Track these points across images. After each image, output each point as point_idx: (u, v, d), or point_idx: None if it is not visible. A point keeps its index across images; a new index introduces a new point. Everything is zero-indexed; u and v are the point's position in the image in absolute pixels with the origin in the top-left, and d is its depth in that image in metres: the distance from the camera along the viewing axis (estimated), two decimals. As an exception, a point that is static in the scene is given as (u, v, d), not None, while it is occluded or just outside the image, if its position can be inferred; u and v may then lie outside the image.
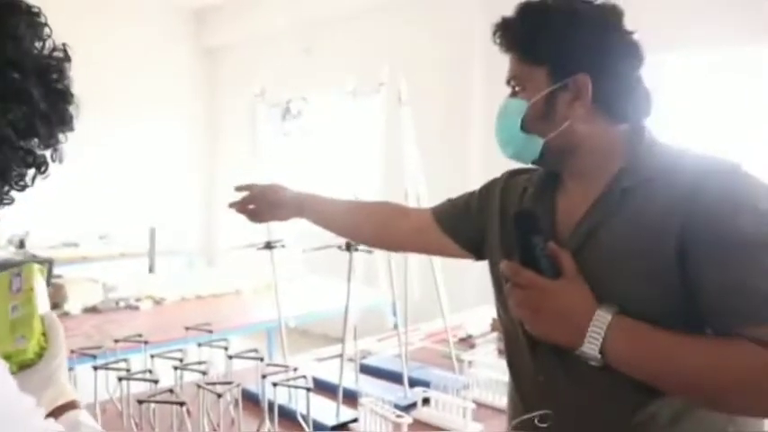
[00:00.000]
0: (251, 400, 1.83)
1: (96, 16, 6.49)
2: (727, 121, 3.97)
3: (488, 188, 1.31)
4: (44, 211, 6.13)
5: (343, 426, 1.72)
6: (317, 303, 3.69)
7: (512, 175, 1.28)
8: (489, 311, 2.85)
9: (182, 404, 1.40)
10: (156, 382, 1.56)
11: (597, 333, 0.92)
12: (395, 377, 2.03)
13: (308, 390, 1.51)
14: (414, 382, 1.96)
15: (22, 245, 5.70)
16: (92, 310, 3.33)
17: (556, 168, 1.12)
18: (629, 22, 1.04)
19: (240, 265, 4.35)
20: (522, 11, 1.05)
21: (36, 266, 1.00)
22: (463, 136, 5.05)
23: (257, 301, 3.74)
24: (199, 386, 1.54)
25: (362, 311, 2.19)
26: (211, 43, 7.45)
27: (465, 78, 5.01)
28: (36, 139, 0.78)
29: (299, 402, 1.67)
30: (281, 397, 1.72)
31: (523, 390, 1.14)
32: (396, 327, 2.20)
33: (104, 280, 3.60)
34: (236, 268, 4.37)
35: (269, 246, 2.04)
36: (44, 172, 0.82)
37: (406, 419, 1.56)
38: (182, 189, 7.32)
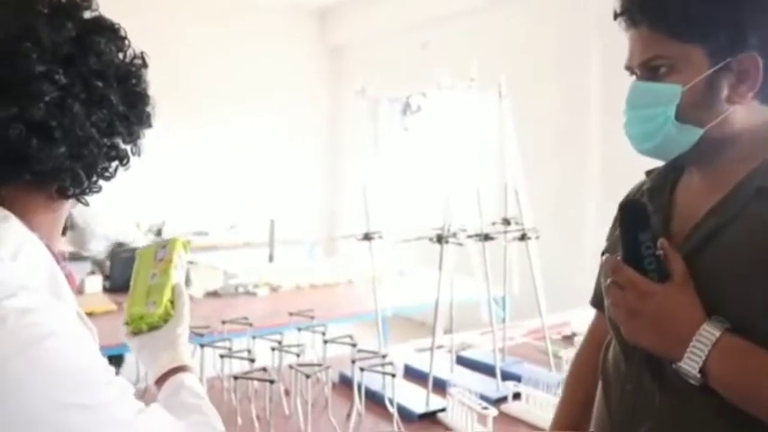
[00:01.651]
0: (346, 384, 1.90)
1: (226, 16, 6.87)
2: None
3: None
4: (179, 203, 6.62)
5: (432, 414, 1.75)
6: (421, 295, 3.73)
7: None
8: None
9: (272, 381, 1.48)
10: (252, 360, 1.66)
11: (700, 350, 0.83)
12: (490, 370, 2.03)
13: (393, 375, 1.55)
14: (507, 377, 1.96)
15: (159, 233, 6.16)
16: (213, 294, 3.55)
17: (696, 163, 0.97)
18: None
19: (356, 256, 4.48)
20: None
21: (181, 241, 1.14)
22: (579, 132, 4.89)
23: (367, 290, 3.83)
24: (291, 367, 1.62)
25: (462, 304, 2.21)
26: (334, 41, 7.68)
27: (581, 73, 4.85)
28: (118, 137, 0.89)
29: (389, 389, 1.71)
30: (373, 383, 1.78)
31: (610, 397, 1.05)
32: (502, 320, 2.20)
33: (226, 267, 3.83)
34: (351, 259, 4.49)
35: (367, 237, 2.09)
36: (126, 164, 0.92)
37: (492, 412, 1.57)
38: (305, 181, 7.60)
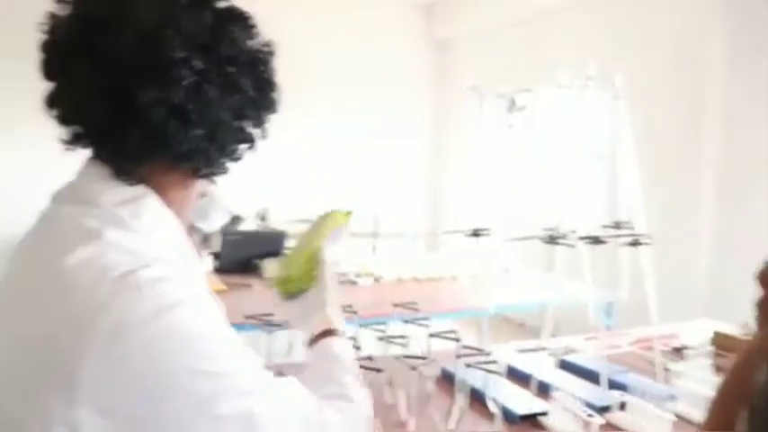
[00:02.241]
0: (447, 380, 1.92)
1: (332, 8, 7.00)
2: None
3: None
4: (283, 191, 6.82)
5: (533, 416, 1.73)
6: (524, 295, 3.69)
7: None
8: (712, 324, 2.66)
9: (378, 370, 1.51)
10: (357, 348, 1.70)
11: None
12: (594, 377, 1.99)
13: (499, 374, 1.55)
14: (612, 385, 1.91)
15: (264, 218, 6.37)
16: (316, 281, 3.64)
17: None
18: None
19: (462, 252, 4.47)
20: None
21: (340, 213, 1.22)
22: (696, 135, 4.66)
23: (471, 287, 3.82)
24: (396, 358, 1.64)
25: (565, 307, 2.17)
26: (441, 35, 7.67)
27: (699, 73, 4.62)
28: (247, 121, 0.94)
29: (492, 387, 1.71)
30: (475, 380, 1.78)
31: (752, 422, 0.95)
32: (608, 327, 2.14)
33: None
34: (457, 254, 4.48)
35: (476, 233, 2.09)
36: (252, 147, 0.98)
37: (598, 420, 1.54)
38: (409, 176, 7.65)
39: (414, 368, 1.56)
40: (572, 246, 1.84)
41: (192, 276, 0.89)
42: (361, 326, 1.95)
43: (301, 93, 6.91)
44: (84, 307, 0.76)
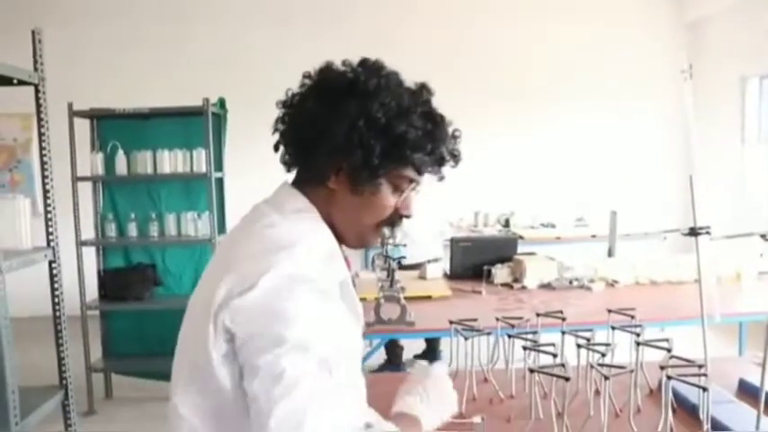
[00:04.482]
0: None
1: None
2: None
3: None
4: (527, 195, 6.76)
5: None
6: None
7: None
8: None
9: (567, 378, 1.45)
10: (554, 355, 1.64)
11: None
12: None
13: (704, 389, 1.40)
14: None
15: (507, 224, 6.38)
16: (546, 286, 3.57)
17: None
18: None
19: (711, 252, 4.03)
20: None
21: None
22: None
23: (718, 292, 3.43)
24: (592, 366, 1.56)
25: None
26: (692, 15, 7.01)
27: None
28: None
29: (703, 402, 1.54)
30: (693, 395, 1.62)
31: None
32: None
33: (562, 259, 3.80)
34: (710, 256, 4.06)
35: (693, 232, 1.90)
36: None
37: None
38: (657, 172, 7.14)
39: (607, 377, 1.46)
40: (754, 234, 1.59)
41: (330, 273, 1.13)
42: (564, 332, 1.88)
43: (541, 97, 6.88)
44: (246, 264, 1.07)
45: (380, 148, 1.11)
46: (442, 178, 1.22)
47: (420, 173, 1.18)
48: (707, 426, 1.45)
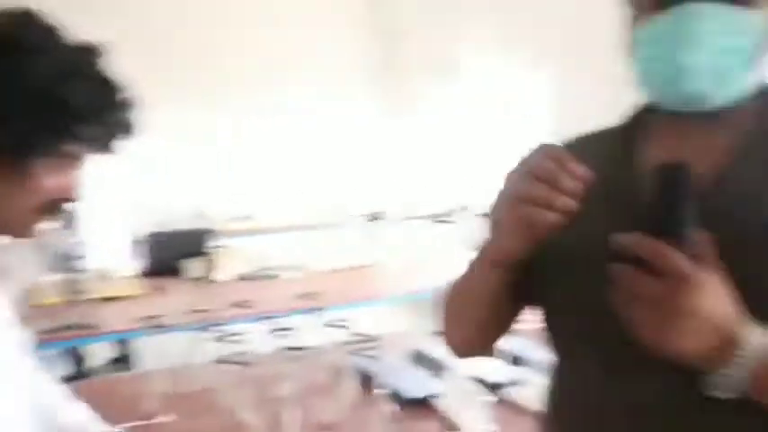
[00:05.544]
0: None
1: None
2: None
3: None
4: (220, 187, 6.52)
5: (423, 400, 1.69)
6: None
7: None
8: None
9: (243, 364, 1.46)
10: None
11: (748, 354, 0.65)
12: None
13: (373, 358, 1.51)
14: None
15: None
16: (241, 278, 3.65)
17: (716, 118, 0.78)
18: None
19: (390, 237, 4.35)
20: None
21: None
22: None
23: (398, 273, 3.76)
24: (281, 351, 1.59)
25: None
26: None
27: None
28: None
29: (385, 373, 1.65)
30: (370, 366, 1.74)
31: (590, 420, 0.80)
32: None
33: (258, 250, 3.90)
34: (382, 238, 4.37)
35: (373, 218, 2.04)
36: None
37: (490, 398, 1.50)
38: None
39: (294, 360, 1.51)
40: None
41: None
42: (255, 321, 1.90)
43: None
44: None
45: (35, 117, 0.91)
46: (111, 153, 1.00)
47: (86, 148, 0.98)
48: (376, 390, 1.56)
